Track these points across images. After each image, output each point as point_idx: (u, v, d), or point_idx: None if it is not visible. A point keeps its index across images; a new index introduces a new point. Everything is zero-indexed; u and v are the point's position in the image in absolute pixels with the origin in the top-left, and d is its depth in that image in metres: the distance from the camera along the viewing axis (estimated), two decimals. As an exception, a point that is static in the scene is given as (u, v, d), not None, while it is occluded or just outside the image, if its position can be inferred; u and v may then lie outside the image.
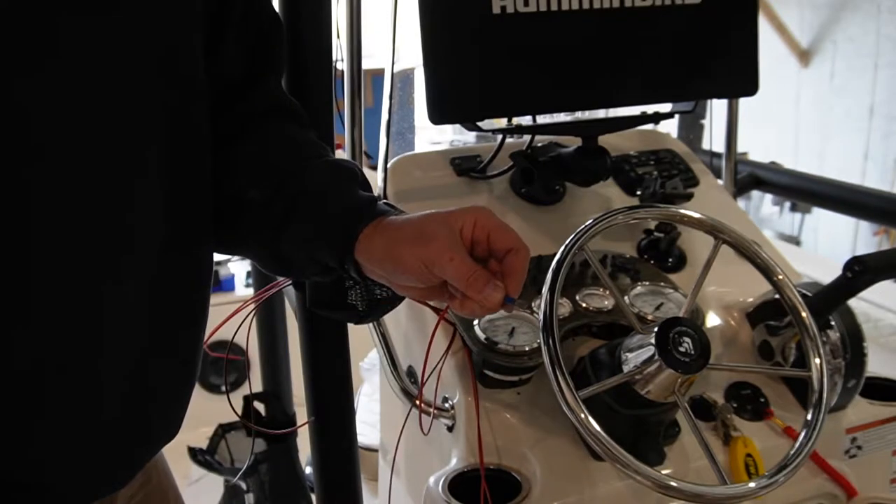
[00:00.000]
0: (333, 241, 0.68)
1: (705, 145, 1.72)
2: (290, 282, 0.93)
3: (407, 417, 1.02)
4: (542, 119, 1.22)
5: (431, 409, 1.01)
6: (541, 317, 0.80)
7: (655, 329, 0.82)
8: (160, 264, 0.65)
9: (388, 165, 1.18)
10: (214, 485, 1.84)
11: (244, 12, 0.71)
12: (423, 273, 0.63)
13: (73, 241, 0.58)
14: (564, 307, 1.01)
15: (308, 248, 0.70)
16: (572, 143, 1.18)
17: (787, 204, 3.76)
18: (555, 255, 0.82)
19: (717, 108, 1.60)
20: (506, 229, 0.65)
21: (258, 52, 0.75)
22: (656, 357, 0.81)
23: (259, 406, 1.66)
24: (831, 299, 1.03)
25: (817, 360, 0.85)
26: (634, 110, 1.21)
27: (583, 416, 0.75)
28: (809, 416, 0.83)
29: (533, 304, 1.02)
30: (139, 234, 0.63)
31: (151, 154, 0.62)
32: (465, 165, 1.23)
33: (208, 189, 0.70)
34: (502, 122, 1.19)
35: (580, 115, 1.37)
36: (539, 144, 1.22)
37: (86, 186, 0.58)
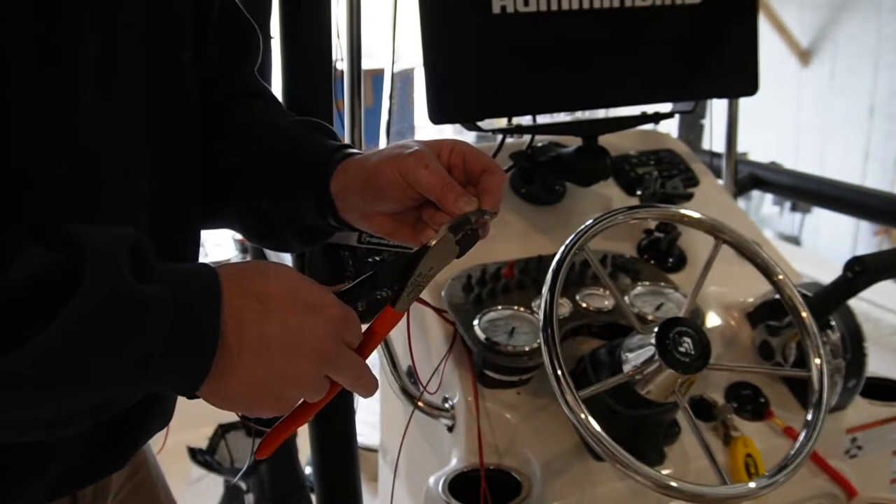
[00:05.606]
0: (308, 179, 0.70)
1: (705, 145, 1.72)
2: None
3: (410, 419, 1.02)
4: (542, 119, 1.21)
5: (431, 409, 1.02)
6: (541, 317, 0.80)
7: (656, 329, 0.82)
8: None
9: (388, 165, 1.18)
10: (214, 485, 1.83)
11: (222, 15, 0.75)
12: (399, 187, 0.64)
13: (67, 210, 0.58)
14: (564, 307, 1.01)
15: (287, 197, 0.72)
16: (572, 143, 1.18)
17: (788, 204, 3.76)
18: (555, 255, 0.82)
19: (717, 108, 1.60)
20: (481, 154, 0.67)
21: (236, 50, 0.79)
22: (656, 357, 0.81)
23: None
24: (832, 299, 1.03)
25: (817, 361, 0.85)
26: (634, 110, 1.21)
27: (583, 416, 0.75)
28: (809, 417, 0.83)
29: (533, 304, 1.02)
30: (136, 208, 0.64)
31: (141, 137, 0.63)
32: (465, 165, 1.23)
33: (195, 171, 0.72)
34: (502, 122, 1.18)
35: (580, 115, 1.37)
36: (539, 144, 1.22)
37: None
